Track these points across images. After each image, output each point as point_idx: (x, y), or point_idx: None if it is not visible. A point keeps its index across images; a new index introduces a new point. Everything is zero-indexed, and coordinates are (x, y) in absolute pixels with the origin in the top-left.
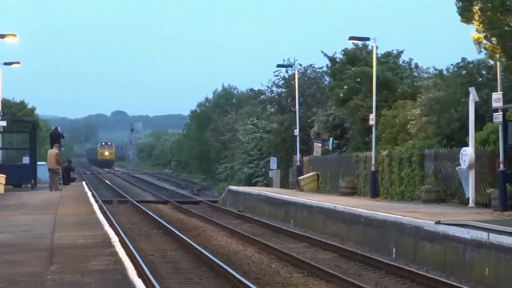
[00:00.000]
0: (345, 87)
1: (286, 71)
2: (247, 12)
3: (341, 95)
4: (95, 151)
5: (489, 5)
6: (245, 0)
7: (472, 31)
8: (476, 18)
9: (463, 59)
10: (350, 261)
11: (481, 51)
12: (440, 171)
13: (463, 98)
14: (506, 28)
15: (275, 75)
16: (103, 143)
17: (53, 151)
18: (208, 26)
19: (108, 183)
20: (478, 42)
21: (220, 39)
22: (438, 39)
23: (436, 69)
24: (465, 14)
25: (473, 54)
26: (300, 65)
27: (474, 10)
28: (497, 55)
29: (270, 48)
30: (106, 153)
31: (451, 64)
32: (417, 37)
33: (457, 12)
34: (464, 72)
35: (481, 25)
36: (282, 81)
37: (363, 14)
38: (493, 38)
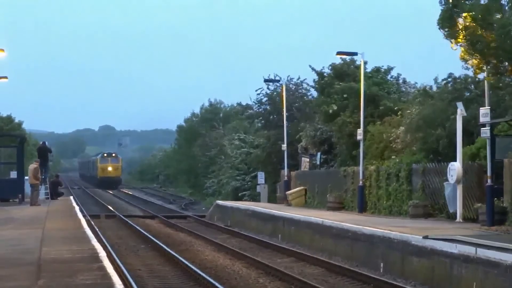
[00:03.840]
0: (334, 105)
1: (268, 88)
2: (232, 26)
3: (331, 111)
4: (93, 165)
5: (471, 21)
6: (228, 14)
7: (457, 48)
8: (460, 35)
9: (450, 75)
10: (338, 276)
11: (467, 68)
12: (428, 186)
13: (451, 114)
14: (488, 43)
15: (257, 93)
16: (105, 154)
17: (31, 166)
18: (194, 41)
19: (96, 197)
20: (464, 59)
21: (207, 53)
22: (428, 50)
23: (423, 84)
24: (447, 29)
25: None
26: (280, 79)
27: (457, 24)
28: (484, 71)
29: (257, 62)
30: (110, 169)
31: (438, 82)
32: (407, 49)
33: (437, 25)
34: (451, 88)
35: (464, 41)
36: (266, 98)
37: (353, 26)
38: (475, 54)
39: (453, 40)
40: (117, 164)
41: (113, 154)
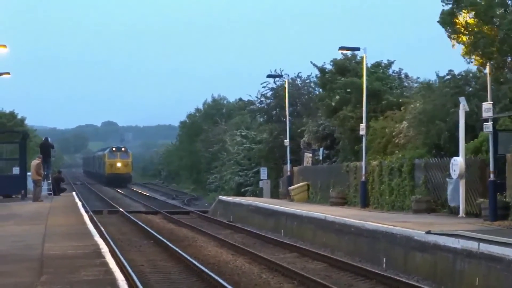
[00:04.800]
0: (337, 97)
1: (274, 82)
2: (234, 22)
3: (333, 103)
4: (99, 161)
5: (473, 13)
6: (234, 11)
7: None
8: (462, 30)
9: (450, 71)
10: (341, 271)
11: (470, 62)
12: (431, 181)
13: (452, 109)
14: (492, 39)
15: (262, 86)
16: (114, 149)
17: (33, 162)
18: (197, 37)
19: (98, 193)
20: (466, 55)
21: (209, 50)
22: (431, 45)
23: (425, 79)
24: (449, 27)
25: (464, 63)
26: (288, 75)
27: (457, 22)
28: (486, 66)
29: (260, 58)
30: (119, 165)
31: (439, 76)
32: (409, 44)
33: (438, 22)
34: (451, 84)
35: (465, 38)
36: (271, 92)
37: (354, 21)
38: (478, 50)
39: (455, 36)
40: (127, 159)
41: (123, 149)
